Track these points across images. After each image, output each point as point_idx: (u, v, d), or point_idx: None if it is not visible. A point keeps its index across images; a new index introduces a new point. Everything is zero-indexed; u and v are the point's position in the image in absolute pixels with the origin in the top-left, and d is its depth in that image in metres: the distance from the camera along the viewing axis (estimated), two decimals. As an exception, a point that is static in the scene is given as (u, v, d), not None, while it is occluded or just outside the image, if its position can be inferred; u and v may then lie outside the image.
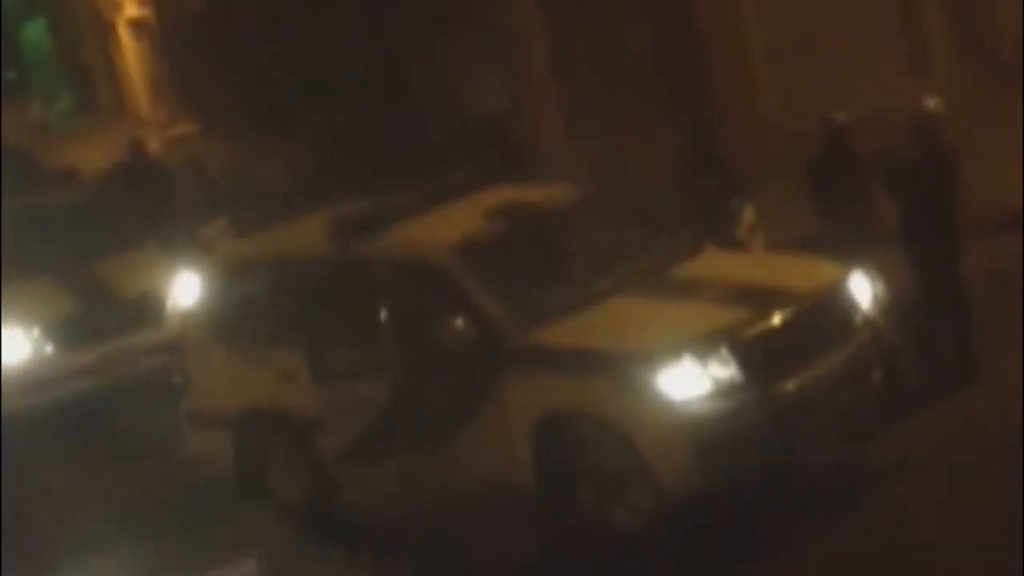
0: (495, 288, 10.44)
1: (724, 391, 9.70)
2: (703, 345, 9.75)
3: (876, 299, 10.63)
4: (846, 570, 9.31)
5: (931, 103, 11.61)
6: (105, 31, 34.27)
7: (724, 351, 9.75)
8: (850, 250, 11.29)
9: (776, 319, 10.07)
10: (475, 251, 10.66)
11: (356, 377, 10.81)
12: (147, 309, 15.26)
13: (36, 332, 15.25)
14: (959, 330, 11.47)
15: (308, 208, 12.46)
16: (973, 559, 8.82)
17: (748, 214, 13.30)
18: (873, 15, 15.26)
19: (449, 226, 11.00)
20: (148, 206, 17.55)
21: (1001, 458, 9.85)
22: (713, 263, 11.00)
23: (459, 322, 10.33)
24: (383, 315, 10.71)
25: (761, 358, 9.84)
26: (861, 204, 12.46)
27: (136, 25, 32.41)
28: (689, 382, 9.66)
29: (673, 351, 9.71)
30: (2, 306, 15.26)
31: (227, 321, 11.91)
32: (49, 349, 15.26)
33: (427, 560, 10.60)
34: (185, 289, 14.50)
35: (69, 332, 15.28)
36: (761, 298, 10.25)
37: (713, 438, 9.59)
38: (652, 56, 17.23)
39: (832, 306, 10.49)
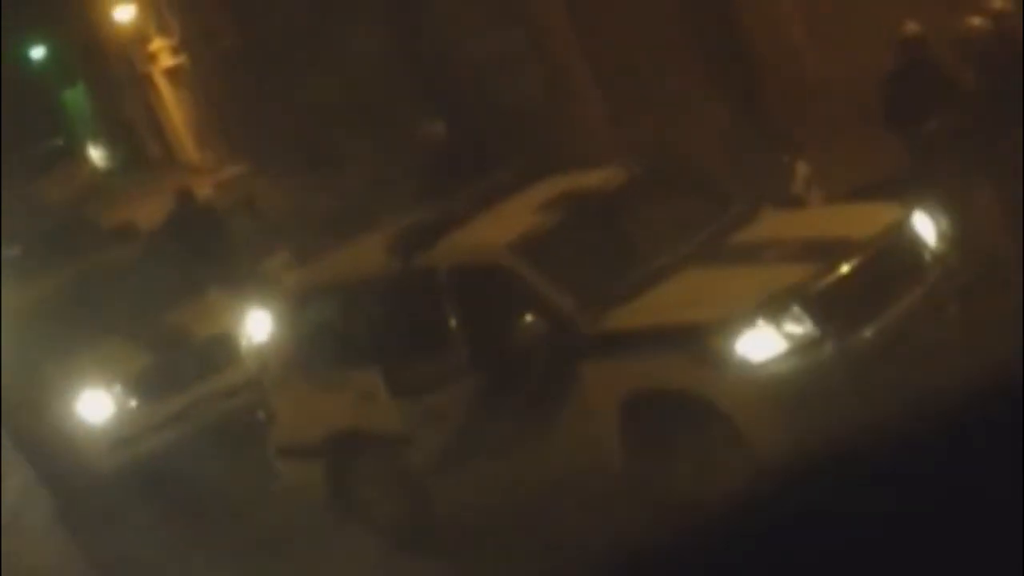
0: (560, 279, 10.41)
1: (802, 347, 9.64)
2: (774, 305, 9.70)
3: (943, 234, 10.53)
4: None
5: (1000, 3, 11.51)
6: (144, 85, 34.44)
7: (796, 308, 9.70)
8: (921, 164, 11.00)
9: (844, 268, 10.00)
10: (535, 245, 10.61)
11: (435, 388, 10.81)
12: (222, 351, 15.33)
13: (118, 389, 15.36)
14: None
15: (364, 228, 12.48)
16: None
17: (801, 169, 13.19)
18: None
19: (505, 224, 10.98)
20: (206, 250, 17.65)
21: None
22: (773, 223, 10.93)
23: (530, 319, 10.31)
24: (453, 322, 10.71)
25: (834, 309, 9.77)
26: (941, 113, 12.05)
27: (173, 74, 32.56)
28: (766, 344, 9.61)
29: (746, 316, 9.66)
30: (82, 367, 15.40)
31: (302, 351, 11.95)
32: (133, 404, 15.38)
33: (525, 561, 10.53)
34: (256, 326, 14.58)
35: (150, 385, 15.39)
36: (826, 250, 10.18)
37: (798, 394, 9.54)
38: (685, 25, 17.12)
39: (899, 247, 10.40)
